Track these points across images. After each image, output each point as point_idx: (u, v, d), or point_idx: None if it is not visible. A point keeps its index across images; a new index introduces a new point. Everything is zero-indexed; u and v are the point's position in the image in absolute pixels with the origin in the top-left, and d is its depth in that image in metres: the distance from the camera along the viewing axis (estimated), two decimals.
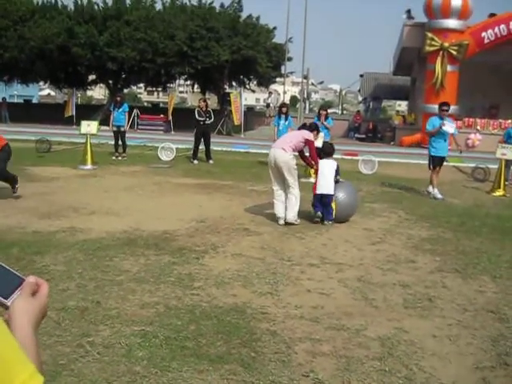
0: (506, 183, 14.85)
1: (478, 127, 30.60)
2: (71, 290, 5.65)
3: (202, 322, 4.99)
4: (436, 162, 13.32)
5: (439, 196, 12.98)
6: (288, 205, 9.51)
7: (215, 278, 6.25)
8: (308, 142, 9.69)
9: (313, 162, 9.98)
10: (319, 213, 9.61)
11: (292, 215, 9.49)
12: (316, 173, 10.00)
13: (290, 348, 4.58)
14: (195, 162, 18.29)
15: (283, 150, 9.41)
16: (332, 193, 9.59)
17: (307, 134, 9.78)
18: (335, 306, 5.61)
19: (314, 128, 10.33)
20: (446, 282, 6.60)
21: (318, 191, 9.65)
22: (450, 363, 4.47)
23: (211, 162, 18.44)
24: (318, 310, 5.46)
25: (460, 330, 5.15)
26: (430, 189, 13.34)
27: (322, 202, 9.61)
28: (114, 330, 4.76)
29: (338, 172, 9.88)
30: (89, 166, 15.46)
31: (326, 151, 10.34)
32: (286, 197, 9.57)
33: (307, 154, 10.05)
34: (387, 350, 4.61)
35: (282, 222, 9.46)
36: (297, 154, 9.81)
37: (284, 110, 17.82)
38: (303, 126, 10.50)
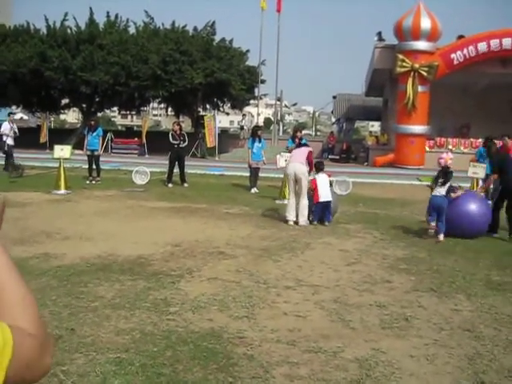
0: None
1: (450, 146, 30.93)
2: (45, 317, 5.55)
3: (178, 348, 4.93)
4: None
5: None
6: (299, 212, 11.70)
7: (191, 303, 6.20)
8: (309, 154, 12.21)
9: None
10: (315, 222, 11.79)
11: (303, 219, 11.67)
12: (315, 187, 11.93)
13: (267, 372, 4.54)
14: (170, 185, 18.23)
15: (301, 163, 11.90)
16: (331, 199, 11.86)
17: (309, 148, 12.41)
18: (312, 328, 5.59)
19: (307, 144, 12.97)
20: (421, 301, 6.62)
21: (321, 199, 11.73)
22: (427, 383, 4.47)
23: (186, 185, 18.40)
24: (295, 333, 5.43)
25: (437, 349, 5.16)
26: None
27: (325, 207, 11.81)
28: (88, 357, 4.69)
29: (330, 183, 12.38)
30: (62, 191, 15.32)
31: (319, 168, 12.37)
32: (296, 205, 11.75)
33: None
34: (365, 372, 4.60)
35: (291, 223, 11.68)
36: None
37: (258, 132, 17.95)
38: (303, 145, 12.78)
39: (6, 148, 20.79)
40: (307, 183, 11.83)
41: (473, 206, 10.95)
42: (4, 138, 20.87)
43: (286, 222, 11.75)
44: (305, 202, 11.74)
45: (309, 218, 11.84)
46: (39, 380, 1.15)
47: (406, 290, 7.11)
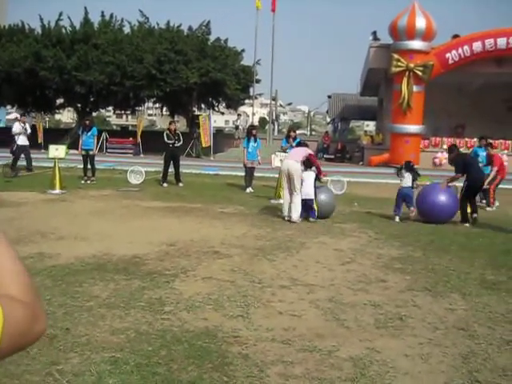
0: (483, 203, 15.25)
1: (445, 146, 30.98)
2: None
3: (173, 347, 4.94)
4: None
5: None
6: (292, 207, 12.02)
7: (186, 302, 6.20)
8: (311, 156, 12.67)
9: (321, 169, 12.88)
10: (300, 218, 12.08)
11: (296, 215, 11.93)
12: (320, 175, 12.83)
13: (262, 371, 4.54)
14: (165, 185, 18.23)
15: (296, 161, 12.20)
16: (312, 197, 12.16)
17: (309, 150, 12.90)
18: (307, 327, 5.59)
19: (307, 144, 14.19)
20: (416, 300, 6.63)
21: (302, 197, 12.03)
22: (422, 382, 4.48)
23: (181, 184, 18.40)
24: (290, 332, 5.44)
25: (431, 348, 5.17)
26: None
27: (306, 204, 12.10)
28: (83, 357, 4.69)
29: (317, 178, 12.60)
30: (57, 191, 15.31)
31: (307, 165, 12.47)
32: (291, 200, 12.10)
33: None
34: (360, 371, 4.61)
35: (286, 218, 12.10)
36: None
37: (253, 132, 17.97)
38: (301, 145, 13.88)
39: (14, 148, 20.64)
40: (299, 179, 12.09)
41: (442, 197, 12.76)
42: (16, 138, 20.73)
43: (284, 217, 12.31)
44: (297, 199, 12.00)
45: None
46: (33, 344, 1.16)
47: (401, 289, 7.13)
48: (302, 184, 12.11)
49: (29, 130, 21.21)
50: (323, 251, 9.25)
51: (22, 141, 20.68)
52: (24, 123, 21.32)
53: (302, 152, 12.65)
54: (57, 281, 6.85)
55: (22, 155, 20.60)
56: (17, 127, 20.94)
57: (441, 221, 12.45)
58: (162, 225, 11.15)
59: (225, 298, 6.42)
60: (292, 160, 12.37)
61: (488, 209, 15.50)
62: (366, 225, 11.97)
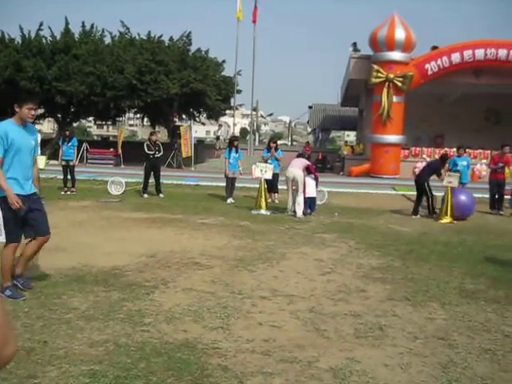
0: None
1: (425, 156, 31.23)
2: (17, 329, 5.49)
3: (152, 359, 4.90)
4: None
5: None
6: (297, 206, 14.51)
7: (165, 314, 6.17)
8: (309, 166, 15.22)
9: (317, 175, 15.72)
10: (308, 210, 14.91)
11: (300, 212, 14.43)
12: (317, 182, 15.54)
13: (242, 383, 4.52)
14: (145, 195, 18.17)
15: (299, 168, 14.70)
16: (315, 195, 15.25)
17: (307, 162, 15.31)
18: (287, 338, 5.58)
19: (305, 156, 16.74)
20: (396, 310, 6.65)
21: (307, 195, 14.81)
22: None
23: (161, 195, 18.35)
24: (270, 343, 5.42)
25: (411, 357, 5.18)
26: None
27: (310, 201, 14.90)
28: (61, 370, 4.64)
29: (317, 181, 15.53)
30: None
31: (308, 171, 15.09)
32: (294, 200, 14.64)
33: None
34: (339, 381, 4.60)
35: (290, 212, 14.79)
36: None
37: (235, 143, 17.98)
38: (300, 155, 15.97)
39: None
40: (302, 183, 14.64)
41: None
42: None
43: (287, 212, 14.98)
44: (300, 199, 14.49)
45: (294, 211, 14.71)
46: (4, 367, 1.14)
47: (381, 299, 7.14)
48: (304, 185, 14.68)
49: None
50: (304, 261, 9.25)
51: None
52: None
53: (302, 162, 15.05)
54: (35, 293, 6.78)
55: None
56: None
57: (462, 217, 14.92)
58: (142, 236, 11.10)
59: (205, 309, 6.39)
60: (296, 168, 14.76)
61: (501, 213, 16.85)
62: (346, 235, 11.99)
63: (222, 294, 7.04)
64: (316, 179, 15.34)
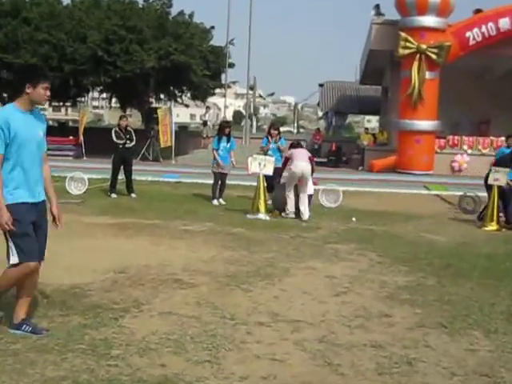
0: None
1: (465, 147, 31.24)
2: None
3: None
4: None
5: None
6: (303, 208, 15.08)
7: (138, 344, 6.16)
8: (311, 159, 15.67)
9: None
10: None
11: (307, 215, 15.07)
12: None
13: None
14: (113, 195, 18.17)
15: (307, 163, 15.31)
16: (313, 193, 16.11)
17: (308, 154, 15.90)
18: (291, 374, 5.58)
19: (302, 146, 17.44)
20: (428, 340, 6.65)
21: (307, 192, 15.40)
22: None
23: (133, 195, 18.35)
24: (270, 381, 5.42)
25: None
26: None
27: (309, 199, 15.66)
28: None
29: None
30: None
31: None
32: (299, 199, 15.23)
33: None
34: None
35: (292, 215, 15.35)
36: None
37: (226, 130, 17.84)
38: (297, 145, 16.40)
39: None
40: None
41: None
42: None
43: (287, 215, 15.41)
44: (306, 198, 15.17)
45: (286, 211, 15.44)
46: None
47: (410, 326, 7.15)
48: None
49: None
50: (311, 279, 9.26)
51: None
52: None
53: (307, 154, 15.79)
54: None
55: None
56: None
57: None
58: (110, 246, 11.11)
59: (188, 338, 6.39)
60: (304, 162, 15.26)
61: None
62: (365, 245, 12.00)
63: (210, 320, 7.04)
64: (312, 171, 15.73)
